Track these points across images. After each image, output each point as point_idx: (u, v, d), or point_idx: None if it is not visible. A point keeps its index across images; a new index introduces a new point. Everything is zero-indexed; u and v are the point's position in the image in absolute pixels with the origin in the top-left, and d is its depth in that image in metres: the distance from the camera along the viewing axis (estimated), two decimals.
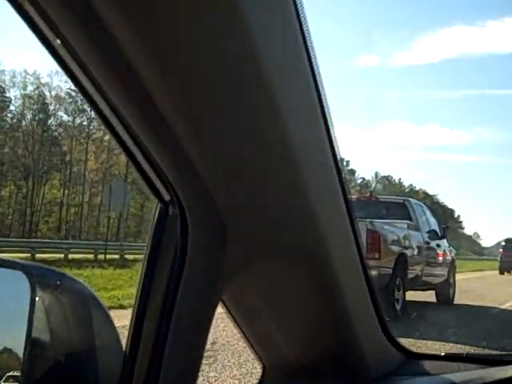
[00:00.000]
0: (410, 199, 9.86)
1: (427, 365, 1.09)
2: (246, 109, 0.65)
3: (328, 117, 0.76)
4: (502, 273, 24.93)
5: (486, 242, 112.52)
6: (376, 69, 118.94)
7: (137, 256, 16.34)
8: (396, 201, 9.69)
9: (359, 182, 77.99)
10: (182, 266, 0.70)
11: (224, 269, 0.73)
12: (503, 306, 10.08)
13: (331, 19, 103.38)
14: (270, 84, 0.64)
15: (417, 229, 8.80)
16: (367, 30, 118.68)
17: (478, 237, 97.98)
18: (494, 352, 4.36)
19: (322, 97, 0.74)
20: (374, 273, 7.06)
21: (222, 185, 0.69)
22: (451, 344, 5.75)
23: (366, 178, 78.62)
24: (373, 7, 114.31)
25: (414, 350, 1.16)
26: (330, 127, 0.77)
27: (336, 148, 0.79)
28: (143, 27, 0.55)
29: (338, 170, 0.81)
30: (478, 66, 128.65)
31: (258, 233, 0.76)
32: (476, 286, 14.76)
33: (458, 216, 77.59)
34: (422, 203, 10.01)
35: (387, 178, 78.88)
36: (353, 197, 10.39)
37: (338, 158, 0.80)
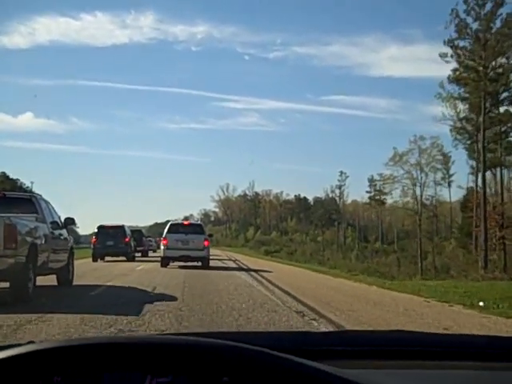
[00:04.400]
0: (36, 195, 11.57)
1: None
2: None
3: None
4: (95, 260, 25.72)
5: (83, 229, 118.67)
6: None
7: None
8: (23, 197, 11.28)
9: None
10: None
11: None
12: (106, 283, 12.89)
13: None
14: None
15: (43, 221, 10.58)
16: None
17: (75, 224, 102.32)
18: None
19: None
20: (10, 261, 8.64)
21: None
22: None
23: None
24: None
25: None
26: None
27: None
28: None
29: None
30: (72, 56, 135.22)
31: None
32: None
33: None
34: (45, 199, 11.78)
35: None
36: None
37: None
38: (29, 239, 9.35)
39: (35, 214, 10.43)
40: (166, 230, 21.16)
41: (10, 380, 0.82)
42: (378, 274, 22.02)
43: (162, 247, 21.15)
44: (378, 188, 75.57)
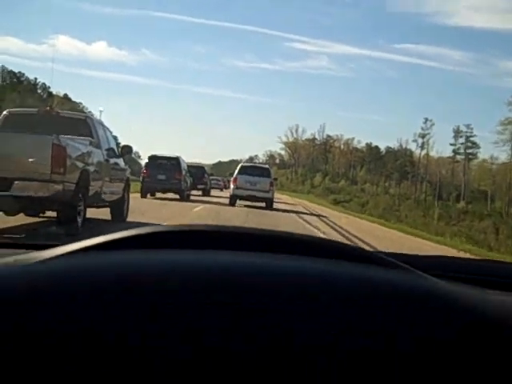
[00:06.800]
0: (92, 116, 10.77)
1: None
2: None
3: None
4: (143, 196, 22.29)
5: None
6: None
7: None
8: (78, 117, 10.46)
9: None
10: None
11: None
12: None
13: None
14: None
15: (98, 146, 9.72)
16: None
17: (139, 157, 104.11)
18: None
19: None
20: (58, 187, 7.86)
21: None
22: None
23: None
24: None
25: None
26: None
27: None
28: None
29: None
30: None
31: None
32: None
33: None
34: (102, 122, 10.98)
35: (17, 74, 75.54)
36: (33, 109, 10.77)
37: None
38: (80, 165, 8.53)
39: (89, 138, 9.61)
40: (236, 171, 23.77)
41: None
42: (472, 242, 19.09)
43: (231, 186, 23.76)
44: (468, 139, 71.94)
